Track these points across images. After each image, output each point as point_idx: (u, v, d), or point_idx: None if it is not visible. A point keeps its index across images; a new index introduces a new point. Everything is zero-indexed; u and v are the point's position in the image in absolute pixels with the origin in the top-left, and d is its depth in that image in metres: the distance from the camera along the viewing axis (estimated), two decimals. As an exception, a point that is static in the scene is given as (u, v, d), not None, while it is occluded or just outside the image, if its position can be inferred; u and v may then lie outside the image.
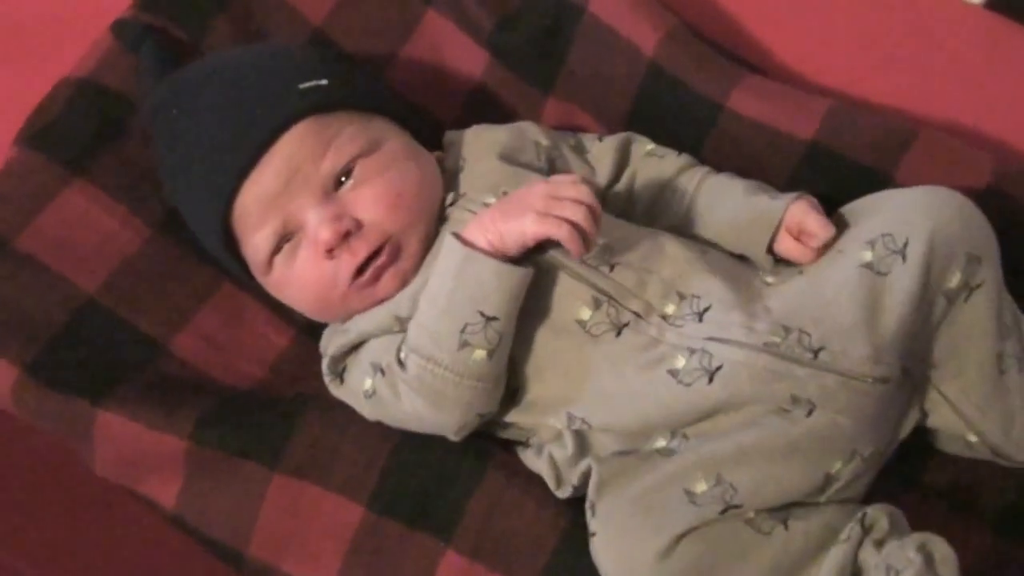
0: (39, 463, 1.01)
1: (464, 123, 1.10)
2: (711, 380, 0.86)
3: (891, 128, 1.01)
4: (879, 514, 0.86)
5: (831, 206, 0.96)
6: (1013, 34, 1.11)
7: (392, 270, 0.93)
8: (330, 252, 0.91)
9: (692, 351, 0.87)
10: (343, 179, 0.93)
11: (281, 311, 1.02)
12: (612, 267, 0.91)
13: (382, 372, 0.91)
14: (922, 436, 0.95)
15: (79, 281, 0.99)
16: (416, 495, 0.91)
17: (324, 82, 0.95)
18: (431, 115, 1.12)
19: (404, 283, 0.93)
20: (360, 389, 0.93)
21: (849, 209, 0.96)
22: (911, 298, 0.87)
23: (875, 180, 0.99)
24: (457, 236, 0.88)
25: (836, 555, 0.84)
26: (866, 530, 0.86)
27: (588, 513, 0.88)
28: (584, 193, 0.87)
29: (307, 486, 0.92)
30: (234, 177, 0.91)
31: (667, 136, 1.04)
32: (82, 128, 1.04)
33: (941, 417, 0.93)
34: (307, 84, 0.94)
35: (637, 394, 0.88)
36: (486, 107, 1.12)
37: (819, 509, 0.87)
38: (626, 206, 1.02)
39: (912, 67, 1.11)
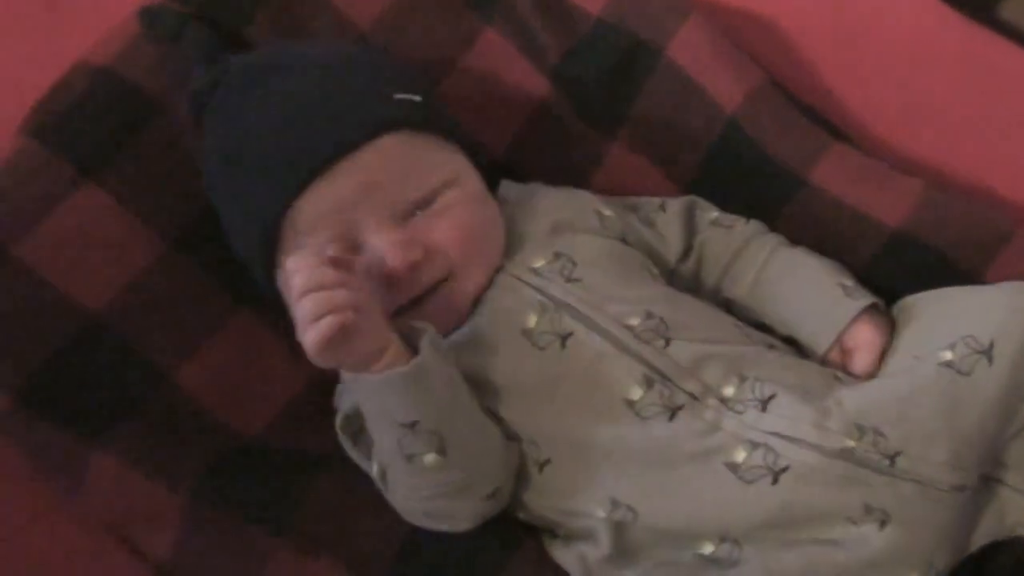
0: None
1: (514, 156, 1.02)
2: (776, 481, 0.79)
3: (986, 222, 0.93)
4: None
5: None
6: None
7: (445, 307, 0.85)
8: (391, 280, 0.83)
9: (755, 445, 0.80)
10: (419, 208, 0.85)
11: (300, 347, 0.93)
12: (668, 342, 0.83)
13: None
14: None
15: (82, 299, 0.90)
16: (432, 582, 0.85)
17: (418, 98, 0.87)
18: (480, 145, 1.02)
19: (447, 327, 0.85)
20: (371, 468, 0.86)
21: (922, 300, 0.89)
22: (995, 403, 0.81)
23: (961, 278, 0.91)
24: None
25: None
26: None
27: None
28: (326, 274, 0.76)
29: (313, 560, 0.85)
30: (307, 173, 0.82)
31: (738, 203, 0.96)
32: (98, 125, 0.94)
33: None
34: (403, 95, 0.86)
35: (690, 486, 0.81)
36: (540, 141, 1.03)
37: None
38: (693, 280, 0.95)
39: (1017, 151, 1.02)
